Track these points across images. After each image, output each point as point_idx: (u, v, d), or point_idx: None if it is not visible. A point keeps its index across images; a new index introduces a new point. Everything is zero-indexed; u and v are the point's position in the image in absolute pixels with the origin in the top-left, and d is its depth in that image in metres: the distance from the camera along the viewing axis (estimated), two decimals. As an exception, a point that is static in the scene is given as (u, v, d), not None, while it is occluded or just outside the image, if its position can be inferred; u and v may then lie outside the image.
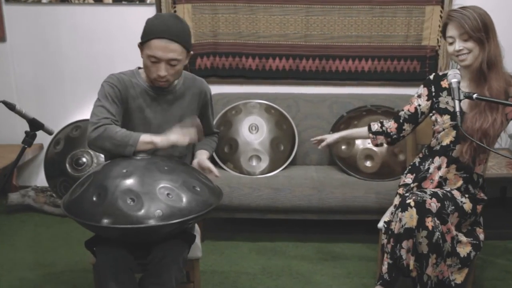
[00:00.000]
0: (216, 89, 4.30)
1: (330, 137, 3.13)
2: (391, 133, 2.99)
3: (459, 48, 2.64)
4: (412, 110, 2.92)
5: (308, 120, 4.28)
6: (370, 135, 3.04)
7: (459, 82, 2.49)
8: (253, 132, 4.07)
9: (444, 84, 2.83)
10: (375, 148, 3.91)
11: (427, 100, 2.88)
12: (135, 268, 2.35)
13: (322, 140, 3.14)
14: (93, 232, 2.38)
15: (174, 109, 2.61)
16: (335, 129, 4.14)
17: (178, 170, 2.33)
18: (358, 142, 4.00)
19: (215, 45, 4.40)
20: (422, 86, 2.92)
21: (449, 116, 2.78)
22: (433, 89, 2.86)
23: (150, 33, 2.42)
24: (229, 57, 4.42)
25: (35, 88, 4.61)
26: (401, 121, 2.96)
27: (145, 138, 2.40)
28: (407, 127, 2.96)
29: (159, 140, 2.40)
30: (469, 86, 2.74)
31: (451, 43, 2.68)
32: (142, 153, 2.39)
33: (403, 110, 2.96)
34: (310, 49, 4.38)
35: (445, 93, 2.82)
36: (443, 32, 2.73)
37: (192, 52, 2.55)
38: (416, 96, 2.93)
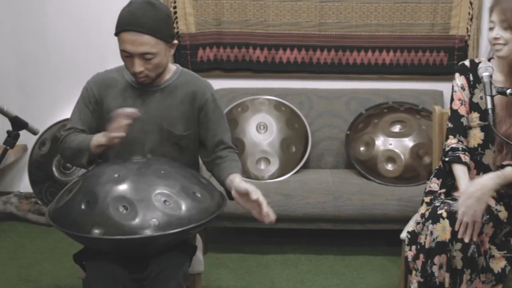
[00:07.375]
0: (220, 84, 4.24)
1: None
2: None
3: (496, 36, 2.61)
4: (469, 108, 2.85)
5: (323, 119, 4.27)
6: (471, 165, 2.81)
7: (491, 76, 2.51)
8: (261, 132, 4.07)
9: None
10: (397, 150, 3.91)
11: (470, 88, 2.82)
12: (129, 285, 2.33)
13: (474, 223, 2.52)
14: (82, 244, 2.38)
15: (161, 107, 2.57)
16: (352, 128, 4.15)
17: (176, 174, 2.31)
18: (379, 142, 3.98)
19: (218, 35, 4.38)
20: (458, 75, 2.85)
21: (478, 115, 2.76)
22: (471, 78, 2.81)
23: (119, 25, 2.41)
24: (234, 48, 4.39)
25: (17, 82, 4.58)
26: (468, 130, 2.83)
27: (94, 141, 2.45)
28: None
29: (104, 139, 2.43)
30: (505, 81, 2.70)
31: (491, 28, 2.64)
32: (137, 156, 2.39)
33: (462, 116, 2.81)
34: (324, 39, 4.35)
35: (481, 85, 2.75)
36: (490, 14, 2.69)
37: (176, 42, 2.52)
38: (460, 90, 2.83)
